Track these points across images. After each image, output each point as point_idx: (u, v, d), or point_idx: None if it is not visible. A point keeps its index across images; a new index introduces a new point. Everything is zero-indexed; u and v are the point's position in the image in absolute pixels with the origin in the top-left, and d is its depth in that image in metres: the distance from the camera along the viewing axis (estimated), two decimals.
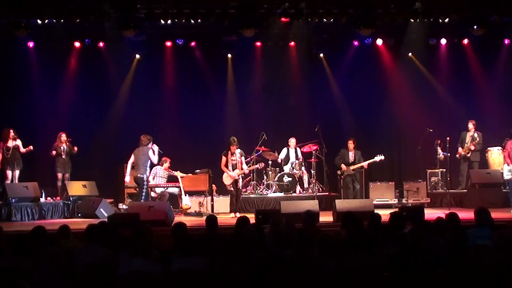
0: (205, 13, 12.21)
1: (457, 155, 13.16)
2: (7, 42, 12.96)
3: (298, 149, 13.34)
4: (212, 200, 11.93)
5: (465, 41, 14.16)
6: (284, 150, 13.40)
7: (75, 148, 12.58)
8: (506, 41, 14.13)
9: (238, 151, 11.46)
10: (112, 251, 5.50)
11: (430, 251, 5.07)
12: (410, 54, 14.29)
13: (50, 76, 13.69)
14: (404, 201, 12.66)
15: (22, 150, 12.19)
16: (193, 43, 13.94)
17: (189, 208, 11.94)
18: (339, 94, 14.41)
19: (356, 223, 6.01)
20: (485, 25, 12.58)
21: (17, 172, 12.22)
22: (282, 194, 12.69)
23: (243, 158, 11.63)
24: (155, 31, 13.30)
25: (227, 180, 11.49)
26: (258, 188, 13.01)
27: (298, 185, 13.04)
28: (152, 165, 11.23)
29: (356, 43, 14.15)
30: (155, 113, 14.10)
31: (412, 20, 12.80)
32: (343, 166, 12.45)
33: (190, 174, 12.53)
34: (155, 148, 11.14)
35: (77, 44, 13.52)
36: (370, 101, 14.50)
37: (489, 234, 5.75)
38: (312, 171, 13.23)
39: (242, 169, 11.48)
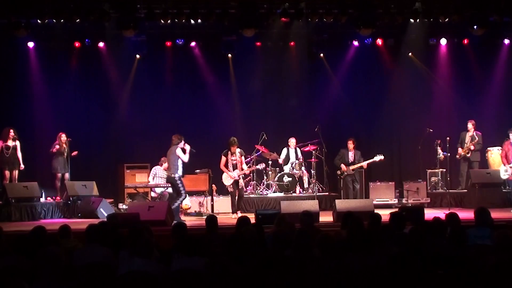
0: (205, 13, 12.22)
1: (457, 156, 13.16)
2: (7, 42, 12.95)
3: (298, 149, 13.34)
4: (212, 200, 11.93)
5: (465, 41, 14.15)
6: (284, 150, 13.40)
7: (75, 153, 12.54)
8: (506, 41, 14.12)
9: (238, 150, 11.46)
10: (112, 251, 5.50)
11: (430, 251, 5.07)
12: (410, 54, 14.29)
13: (50, 76, 13.68)
14: (404, 201, 12.66)
15: (19, 153, 12.13)
16: (193, 43, 13.93)
17: (189, 208, 11.95)
18: (339, 94, 14.41)
19: (356, 223, 6.00)
20: (485, 25, 12.59)
21: (16, 172, 12.21)
22: (282, 194, 12.69)
23: (243, 158, 11.63)
24: (155, 31, 13.30)
25: (227, 180, 11.49)
26: (258, 188, 13.01)
27: (298, 185, 13.03)
28: (184, 164, 11.15)
29: (356, 43, 14.14)
30: (155, 113, 14.09)
31: (412, 20, 12.82)
32: (343, 166, 12.45)
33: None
34: (187, 147, 11.07)
35: (77, 44, 13.50)
36: (370, 101, 14.51)
37: (489, 234, 5.75)
38: (312, 171, 13.22)
39: (242, 169, 11.47)
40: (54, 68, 13.73)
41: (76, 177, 12.74)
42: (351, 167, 12.42)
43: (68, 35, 13.11)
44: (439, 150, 12.96)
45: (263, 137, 13.12)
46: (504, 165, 11.73)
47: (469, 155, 13.04)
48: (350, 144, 12.54)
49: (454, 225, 6.10)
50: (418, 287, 4.23)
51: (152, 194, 12.59)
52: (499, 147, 12.53)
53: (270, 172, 13.13)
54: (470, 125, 13.10)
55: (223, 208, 11.98)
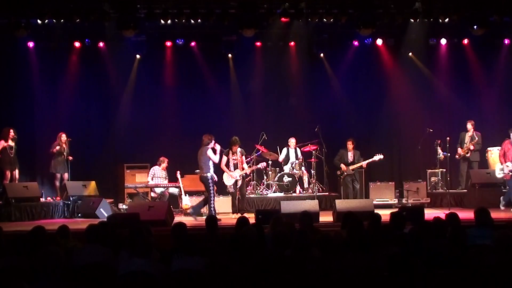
0: (205, 13, 12.21)
1: (457, 156, 13.15)
2: (7, 42, 12.95)
3: (298, 149, 13.34)
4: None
5: (465, 41, 14.15)
6: (284, 150, 13.40)
7: (70, 158, 12.52)
8: (506, 41, 14.12)
9: (239, 150, 11.46)
10: (112, 251, 5.50)
11: (430, 251, 5.07)
12: (410, 54, 14.28)
13: (50, 76, 13.69)
14: (404, 201, 12.65)
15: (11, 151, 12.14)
16: (193, 43, 13.93)
17: (189, 208, 11.94)
18: (339, 94, 14.41)
19: (356, 223, 6.00)
20: (485, 25, 12.59)
21: (16, 172, 12.21)
22: (282, 194, 12.69)
23: (243, 158, 11.62)
24: (155, 31, 13.30)
25: (228, 180, 11.48)
26: (258, 188, 13.01)
27: (298, 185, 13.03)
28: (215, 164, 11.15)
29: (356, 43, 14.14)
30: (155, 113, 14.10)
31: (412, 20, 12.81)
32: (343, 166, 12.45)
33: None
34: (218, 147, 11.07)
35: (77, 44, 13.50)
36: (370, 101, 14.52)
37: (489, 234, 5.75)
38: (312, 171, 13.22)
39: (243, 169, 11.47)
40: (54, 68, 13.73)
41: (76, 177, 12.74)
42: (351, 167, 12.42)
43: (68, 35, 13.11)
44: (439, 150, 12.96)
45: (263, 137, 13.12)
46: (501, 164, 11.73)
47: (468, 155, 13.04)
48: (350, 144, 12.55)
49: (454, 225, 6.10)
50: (418, 287, 4.23)
51: (152, 194, 12.59)
52: (499, 147, 12.53)
53: (270, 172, 13.13)
54: (469, 125, 13.10)
55: (223, 208, 11.96)
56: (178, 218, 10.68)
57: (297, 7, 12.28)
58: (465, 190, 12.83)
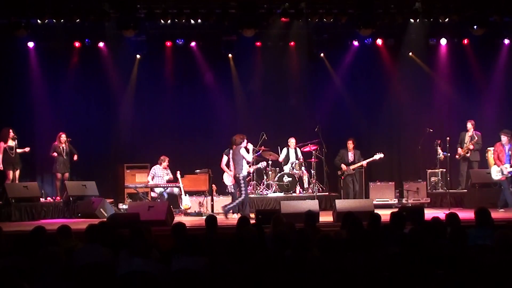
0: (205, 13, 12.21)
1: (457, 156, 13.14)
2: (7, 42, 12.94)
3: (298, 149, 13.34)
4: (212, 200, 11.92)
5: (465, 41, 14.15)
6: (284, 150, 13.40)
7: (75, 157, 12.55)
8: (506, 41, 14.11)
9: None
10: (112, 251, 5.50)
11: (430, 251, 5.07)
12: (410, 53, 14.28)
13: (50, 76, 13.68)
14: (404, 201, 12.65)
15: (19, 150, 12.18)
16: (193, 43, 13.93)
17: (189, 208, 11.95)
18: (339, 94, 14.41)
19: (356, 223, 6.00)
20: (485, 25, 12.58)
21: (17, 172, 12.22)
22: (282, 194, 12.69)
23: None
24: (155, 31, 13.30)
25: (228, 180, 11.48)
26: (258, 188, 13.01)
27: (298, 185, 13.03)
28: (248, 163, 11.17)
29: (356, 43, 14.14)
30: (155, 113, 14.10)
31: (412, 20, 12.80)
32: (343, 166, 12.46)
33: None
34: (250, 146, 11.08)
35: (77, 44, 13.50)
36: (370, 101, 14.51)
37: (489, 234, 5.75)
38: (312, 171, 13.22)
39: None
40: (54, 68, 13.72)
41: (76, 177, 12.73)
42: (352, 167, 12.43)
43: (68, 35, 13.09)
44: (439, 150, 12.95)
45: (263, 137, 13.11)
46: (498, 166, 11.71)
47: (468, 154, 13.03)
48: (350, 144, 12.56)
49: (454, 225, 6.10)
50: (418, 287, 4.24)
51: (152, 194, 12.58)
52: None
53: (270, 172, 13.12)
54: (469, 125, 13.09)
55: None
56: (178, 218, 10.68)
57: (297, 7, 12.28)
58: (465, 190, 12.82)
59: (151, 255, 5.15)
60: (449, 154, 12.46)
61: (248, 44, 13.68)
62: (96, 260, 5.24)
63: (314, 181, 13.01)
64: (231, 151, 11.31)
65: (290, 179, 12.86)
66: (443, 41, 14.10)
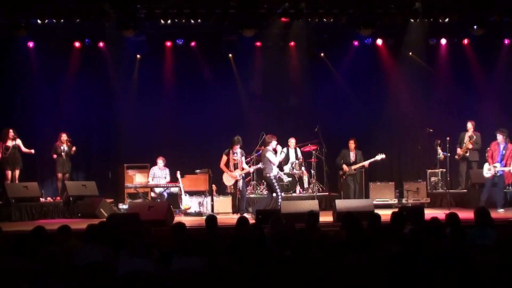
0: (205, 13, 12.21)
1: (456, 156, 13.14)
2: (7, 42, 12.95)
3: (298, 149, 13.34)
4: (212, 200, 11.93)
5: (465, 41, 14.16)
6: (284, 150, 13.39)
7: (73, 148, 12.58)
8: (506, 41, 14.12)
9: (239, 150, 11.46)
10: (112, 251, 5.49)
11: (430, 251, 5.07)
12: (410, 53, 14.28)
13: (50, 76, 13.68)
14: (404, 201, 12.65)
15: (24, 149, 12.20)
16: (193, 43, 13.93)
17: (189, 208, 11.95)
18: (339, 94, 14.40)
19: (356, 223, 6.00)
20: (485, 25, 12.60)
21: (17, 172, 12.22)
22: (282, 194, 12.66)
23: (243, 158, 11.63)
24: (155, 31, 13.30)
25: (228, 180, 11.48)
26: (258, 188, 13.01)
27: (298, 185, 13.03)
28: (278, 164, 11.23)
29: (356, 43, 14.14)
30: (155, 113, 14.10)
31: (412, 20, 12.81)
32: (345, 167, 12.46)
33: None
34: (278, 148, 11.10)
35: (77, 44, 13.51)
36: (370, 101, 14.51)
37: (489, 234, 5.75)
38: (312, 171, 13.22)
39: (243, 169, 11.47)
40: (54, 68, 13.72)
41: (76, 177, 12.72)
42: (353, 167, 12.43)
43: (68, 35, 13.10)
44: (439, 150, 12.95)
45: (263, 137, 13.10)
46: (489, 164, 11.75)
47: (467, 154, 13.03)
48: (352, 144, 12.56)
49: (454, 225, 6.10)
50: (418, 287, 4.23)
51: (152, 194, 12.59)
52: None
53: None
54: (469, 125, 13.10)
55: (223, 208, 11.99)
56: (178, 218, 10.68)
57: (297, 7, 12.29)
58: (465, 190, 12.83)
59: (151, 255, 5.15)
60: (449, 154, 12.45)
61: (248, 44, 13.68)
62: (96, 260, 5.23)
63: (314, 181, 13.01)
64: (231, 151, 11.32)
65: (290, 179, 12.86)
66: (443, 41, 14.11)
